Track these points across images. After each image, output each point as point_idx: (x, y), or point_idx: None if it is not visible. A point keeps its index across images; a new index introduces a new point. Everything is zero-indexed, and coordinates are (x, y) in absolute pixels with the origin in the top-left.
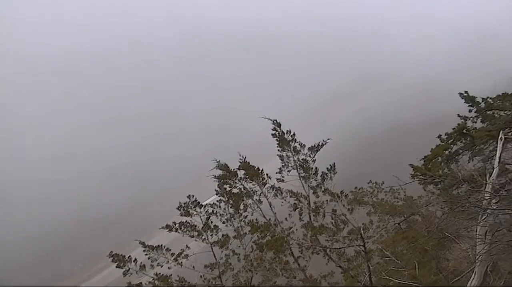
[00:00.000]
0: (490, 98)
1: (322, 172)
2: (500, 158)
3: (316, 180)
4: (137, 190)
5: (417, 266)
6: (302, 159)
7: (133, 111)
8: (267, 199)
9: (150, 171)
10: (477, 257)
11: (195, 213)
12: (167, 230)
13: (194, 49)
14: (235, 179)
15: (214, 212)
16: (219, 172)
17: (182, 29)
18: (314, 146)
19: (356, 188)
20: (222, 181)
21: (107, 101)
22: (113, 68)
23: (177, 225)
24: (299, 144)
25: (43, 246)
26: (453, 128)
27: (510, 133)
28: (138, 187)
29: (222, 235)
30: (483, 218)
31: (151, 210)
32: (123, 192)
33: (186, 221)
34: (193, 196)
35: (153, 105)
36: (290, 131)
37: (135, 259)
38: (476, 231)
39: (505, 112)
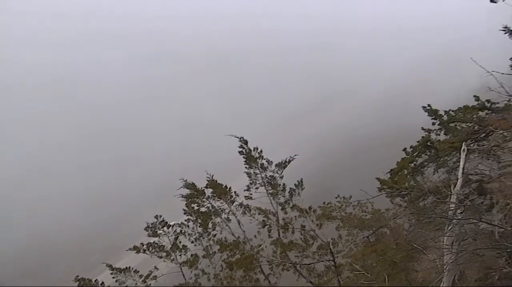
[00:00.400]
0: (452, 111)
1: (290, 188)
2: (463, 168)
3: (284, 196)
4: (104, 211)
5: (387, 279)
6: (270, 176)
7: (96, 131)
8: (236, 217)
9: (117, 191)
10: (445, 266)
11: (163, 233)
12: (135, 251)
13: (158, 68)
14: (203, 198)
15: (183, 231)
16: (186, 191)
17: (145, 48)
18: (281, 162)
19: (324, 203)
20: (189, 200)
21: (68, 121)
22: (75, 88)
23: (145, 246)
24: (266, 161)
25: (5, 270)
26: (418, 141)
27: (472, 145)
28: (105, 208)
29: (191, 255)
30: (449, 228)
31: (118, 232)
32: (90, 213)
33: (154, 242)
34: (161, 216)
35: (117, 124)
36: (257, 149)
37: (102, 283)
38: (443, 241)
39: (467, 124)
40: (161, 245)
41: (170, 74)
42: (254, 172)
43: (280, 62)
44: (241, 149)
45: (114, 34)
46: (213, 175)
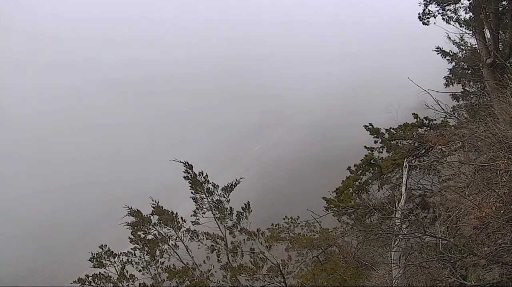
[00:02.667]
0: (393, 129)
1: (237, 212)
2: (406, 184)
3: (231, 220)
4: (47, 242)
5: None
6: (216, 200)
7: (40, 160)
8: (184, 243)
9: (60, 220)
10: (393, 281)
11: (109, 263)
12: (80, 284)
13: (94, 96)
14: (149, 225)
15: (129, 260)
16: (132, 219)
17: (76, 76)
18: (228, 185)
19: (272, 224)
20: (135, 227)
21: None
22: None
23: (90, 277)
24: (212, 185)
25: None
26: (361, 160)
27: (413, 161)
28: (48, 238)
29: (139, 284)
30: (396, 243)
31: (62, 263)
32: (32, 244)
33: (100, 273)
34: (106, 245)
35: (59, 153)
36: (202, 173)
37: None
38: (391, 257)
39: (407, 141)
40: (108, 276)
41: (107, 102)
42: (200, 197)
43: (221, 88)
44: (186, 174)
45: (43, 62)
46: (158, 201)
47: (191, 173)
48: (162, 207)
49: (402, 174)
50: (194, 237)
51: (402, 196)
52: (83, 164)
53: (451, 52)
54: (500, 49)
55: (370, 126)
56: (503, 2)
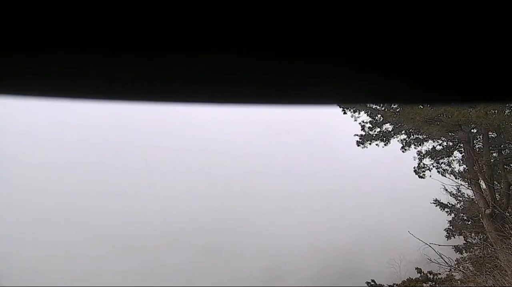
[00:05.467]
0: (396, 284)
1: None
2: None
3: None
4: None
5: None
6: None
7: None
8: None
9: None
10: None
11: None
12: None
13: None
14: None
15: None
16: None
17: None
18: None
19: None
20: None
21: None
22: None
23: None
24: None
25: None
26: None
27: None
28: None
29: None
30: None
31: None
32: None
33: None
34: None
35: None
36: None
37: None
38: None
39: None
40: None
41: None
42: None
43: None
44: None
45: (40, 209)
46: None
47: None
48: None
49: None
50: None
51: None
52: None
53: (449, 203)
54: (497, 199)
55: (373, 283)
56: (494, 154)
